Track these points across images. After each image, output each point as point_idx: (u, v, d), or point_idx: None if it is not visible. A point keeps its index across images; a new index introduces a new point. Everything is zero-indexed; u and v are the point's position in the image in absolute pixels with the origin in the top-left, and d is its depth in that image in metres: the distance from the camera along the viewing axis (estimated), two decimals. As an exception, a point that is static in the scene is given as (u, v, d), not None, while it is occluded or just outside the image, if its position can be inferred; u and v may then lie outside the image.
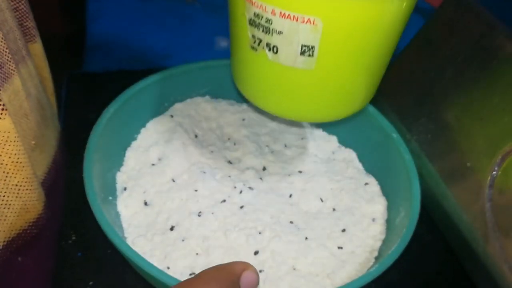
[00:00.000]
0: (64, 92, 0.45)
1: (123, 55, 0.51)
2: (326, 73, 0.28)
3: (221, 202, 0.35)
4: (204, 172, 0.36)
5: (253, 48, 0.28)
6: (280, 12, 0.25)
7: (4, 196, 0.24)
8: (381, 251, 0.34)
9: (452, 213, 0.36)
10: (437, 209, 0.37)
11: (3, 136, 0.23)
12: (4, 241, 0.25)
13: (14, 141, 0.23)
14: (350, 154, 0.40)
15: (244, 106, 0.43)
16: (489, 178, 0.33)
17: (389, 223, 0.35)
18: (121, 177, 0.36)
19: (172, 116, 0.40)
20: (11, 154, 0.24)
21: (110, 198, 0.34)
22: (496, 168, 0.33)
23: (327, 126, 0.42)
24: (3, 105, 0.22)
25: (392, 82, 0.44)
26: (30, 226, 0.27)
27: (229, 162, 0.38)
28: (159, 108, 0.40)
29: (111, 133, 0.35)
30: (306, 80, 0.28)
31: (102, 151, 0.34)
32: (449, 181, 0.36)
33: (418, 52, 0.42)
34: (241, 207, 0.35)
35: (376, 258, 0.33)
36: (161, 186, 0.35)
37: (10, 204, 0.25)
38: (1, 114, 0.23)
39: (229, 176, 0.37)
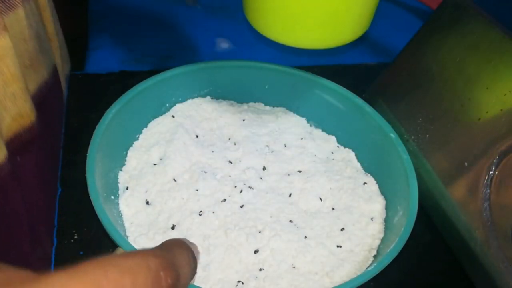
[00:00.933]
0: (66, 93, 0.46)
1: (125, 56, 0.52)
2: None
3: (222, 201, 0.35)
4: (205, 172, 0.37)
5: None
6: None
7: (2, 101, 0.29)
8: (379, 249, 0.34)
9: (450, 212, 0.36)
10: (435, 209, 0.38)
11: (3, 51, 0.28)
12: (4, 140, 0.29)
13: (12, 56, 0.28)
14: (349, 154, 0.41)
15: (245, 106, 0.43)
16: (486, 178, 0.33)
17: (387, 222, 0.35)
18: (123, 177, 0.36)
19: (173, 116, 0.41)
20: (8, 65, 0.28)
21: (112, 197, 0.34)
22: (493, 168, 0.33)
23: (326, 127, 0.42)
24: (4, 25, 0.27)
25: (390, 82, 0.44)
26: (25, 131, 0.31)
27: (230, 162, 0.38)
28: (160, 109, 0.41)
29: (113, 134, 0.35)
30: (300, 5, 0.32)
31: (104, 151, 0.34)
32: (447, 181, 0.36)
33: (416, 53, 0.42)
34: (241, 206, 0.35)
35: (375, 257, 0.33)
36: (163, 186, 0.36)
37: (7, 108, 0.29)
38: (1, 34, 0.27)
39: (230, 176, 0.37)
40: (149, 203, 0.35)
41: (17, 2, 0.28)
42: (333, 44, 0.35)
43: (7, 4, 0.26)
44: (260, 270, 0.32)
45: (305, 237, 0.34)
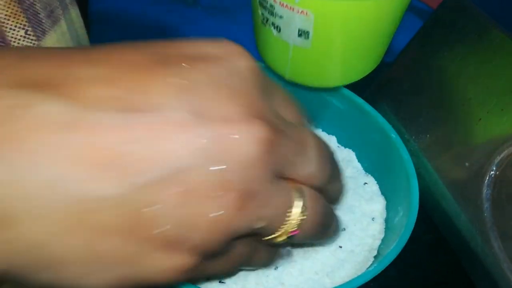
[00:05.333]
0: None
1: (125, 57, 0.52)
2: (321, 52, 0.33)
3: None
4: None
5: (263, 23, 0.33)
6: (280, 2, 0.30)
7: None
8: (380, 250, 0.34)
9: (451, 212, 0.36)
10: (435, 209, 0.38)
11: None
12: None
13: None
14: (349, 154, 0.41)
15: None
16: (487, 178, 0.33)
17: (388, 222, 0.35)
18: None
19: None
20: None
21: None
22: (494, 168, 0.33)
23: (326, 127, 0.42)
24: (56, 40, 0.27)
25: (390, 82, 0.44)
26: None
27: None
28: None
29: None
30: (305, 55, 0.33)
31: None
32: (448, 181, 0.36)
33: (416, 53, 0.42)
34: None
35: (375, 257, 0.33)
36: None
37: None
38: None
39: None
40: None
41: (59, 15, 0.27)
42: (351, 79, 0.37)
43: (52, 19, 0.25)
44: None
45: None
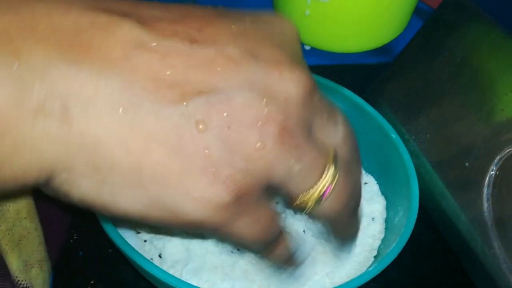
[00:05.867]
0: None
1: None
2: (340, 7, 0.32)
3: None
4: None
5: None
6: None
7: None
8: (380, 250, 0.34)
9: (451, 212, 0.36)
10: (435, 209, 0.38)
11: None
12: None
13: None
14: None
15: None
16: (487, 178, 0.33)
17: (388, 222, 0.35)
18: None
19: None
20: None
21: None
22: (494, 168, 0.33)
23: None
24: None
25: (391, 82, 0.44)
26: None
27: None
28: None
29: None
30: (324, 11, 0.32)
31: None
32: (448, 181, 0.36)
33: (417, 53, 0.42)
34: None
35: (375, 257, 0.33)
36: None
37: None
38: None
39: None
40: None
41: None
42: (371, 46, 0.36)
43: None
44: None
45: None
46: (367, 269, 0.32)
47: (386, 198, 0.37)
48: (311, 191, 0.21)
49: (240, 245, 0.24)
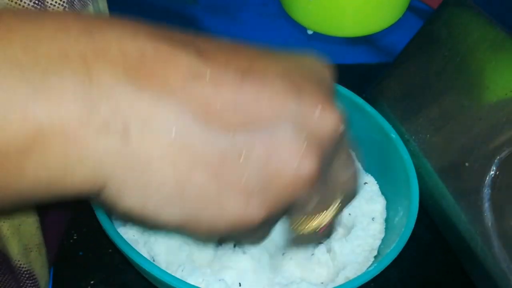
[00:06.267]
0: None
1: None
2: None
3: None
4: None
5: None
6: None
7: None
8: (380, 250, 0.34)
9: (451, 212, 0.36)
10: (435, 209, 0.38)
11: None
12: None
13: None
14: (349, 154, 0.41)
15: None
16: (487, 178, 0.33)
17: (388, 222, 0.35)
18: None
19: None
20: None
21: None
22: (494, 168, 0.33)
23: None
24: None
25: (390, 82, 0.44)
26: None
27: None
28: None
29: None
30: None
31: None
32: (448, 181, 0.36)
33: (417, 53, 0.42)
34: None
35: (375, 257, 0.33)
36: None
37: None
38: None
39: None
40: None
41: (88, 1, 0.29)
42: (369, 31, 0.36)
43: (82, 2, 0.28)
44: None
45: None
46: (367, 269, 0.32)
47: (386, 198, 0.37)
48: (313, 219, 0.24)
49: (239, 243, 0.27)
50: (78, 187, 0.18)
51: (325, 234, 0.26)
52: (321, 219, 0.24)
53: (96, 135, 0.17)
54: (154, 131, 0.18)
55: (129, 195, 0.19)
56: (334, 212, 0.24)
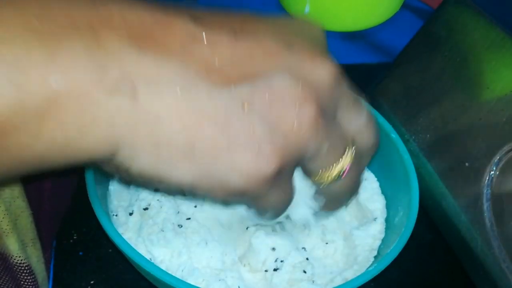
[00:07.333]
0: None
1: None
2: None
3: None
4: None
5: None
6: None
7: None
8: (380, 250, 0.34)
9: (451, 212, 0.36)
10: (435, 209, 0.38)
11: None
12: None
13: None
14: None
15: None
16: (487, 178, 0.33)
17: (388, 222, 0.35)
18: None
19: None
20: None
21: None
22: (494, 168, 0.33)
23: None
24: None
25: (390, 82, 0.44)
26: None
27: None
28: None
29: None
30: None
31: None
32: (448, 181, 0.36)
33: (417, 53, 0.42)
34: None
35: (375, 257, 0.33)
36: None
37: None
38: None
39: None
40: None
41: None
42: (365, 25, 0.36)
43: None
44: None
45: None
46: (367, 269, 0.32)
47: (386, 198, 0.37)
48: (332, 168, 0.24)
49: (262, 210, 0.26)
50: (93, 149, 0.19)
51: (352, 188, 0.27)
52: (340, 166, 0.24)
53: (108, 96, 0.18)
54: (160, 89, 0.19)
55: (141, 155, 0.20)
56: (350, 158, 0.24)
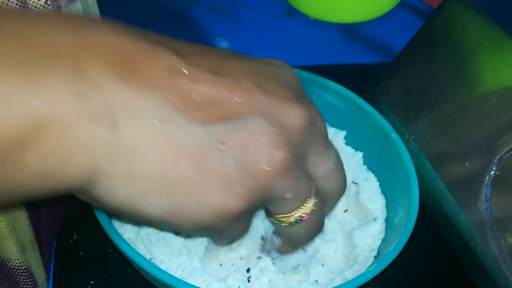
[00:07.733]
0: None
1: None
2: None
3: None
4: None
5: None
6: None
7: None
8: (380, 250, 0.34)
9: (451, 212, 0.36)
10: (435, 209, 0.38)
11: None
12: None
13: None
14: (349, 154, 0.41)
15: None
16: (487, 178, 0.33)
17: (388, 222, 0.35)
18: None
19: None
20: None
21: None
22: (494, 168, 0.33)
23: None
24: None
25: (390, 82, 0.44)
26: None
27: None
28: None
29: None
30: None
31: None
32: (448, 181, 0.36)
33: (417, 53, 0.42)
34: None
35: (375, 257, 0.33)
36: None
37: None
38: None
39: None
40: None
41: None
42: (364, 17, 0.36)
43: None
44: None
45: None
46: (367, 269, 0.32)
47: (386, 198, 0.37)
48: (290, 215, 0.25)
49: (221, 239, 0.28)
50: (72, 179, 0.19)
51: (310, 233, 0.27)
52: (299, 214, 0.25)
53: (89, 126, 0.18)
54: (139, 119, 0.19)
55: (116, 188, 0.20)
56: (310, 208, 0.25)
